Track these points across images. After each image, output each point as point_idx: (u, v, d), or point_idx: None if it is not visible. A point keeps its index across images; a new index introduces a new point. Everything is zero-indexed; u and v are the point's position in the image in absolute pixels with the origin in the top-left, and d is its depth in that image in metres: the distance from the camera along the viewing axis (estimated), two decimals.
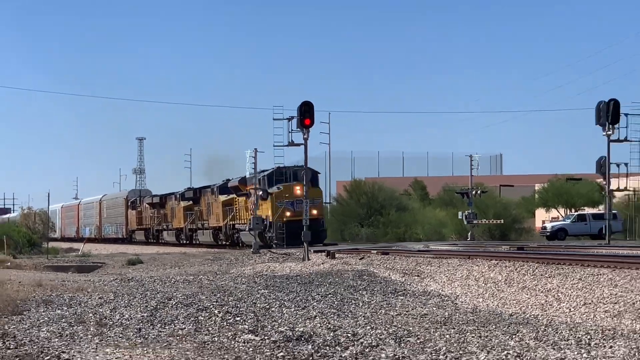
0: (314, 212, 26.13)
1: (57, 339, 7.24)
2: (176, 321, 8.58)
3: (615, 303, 8.33)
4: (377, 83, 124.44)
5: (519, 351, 6.36)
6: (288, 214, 27.51)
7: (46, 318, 8.93)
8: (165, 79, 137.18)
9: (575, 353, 6.24)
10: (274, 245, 27.46)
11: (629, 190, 26.60)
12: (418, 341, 6.90)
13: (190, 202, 39.00)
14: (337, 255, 20.38)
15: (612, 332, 7.13)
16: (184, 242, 40.67)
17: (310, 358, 6.30)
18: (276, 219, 27.46)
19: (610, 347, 6.44)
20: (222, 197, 33.92)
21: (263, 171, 28.86)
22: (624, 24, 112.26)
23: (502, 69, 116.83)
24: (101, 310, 9.85)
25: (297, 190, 27.06)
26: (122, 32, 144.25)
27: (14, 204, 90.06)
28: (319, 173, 28.84)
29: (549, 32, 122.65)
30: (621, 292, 8.84)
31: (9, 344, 6.94)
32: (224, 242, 34.45)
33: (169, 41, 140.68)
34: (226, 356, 6.42)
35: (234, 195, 32.47)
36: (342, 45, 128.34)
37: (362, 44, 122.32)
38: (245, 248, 28.98)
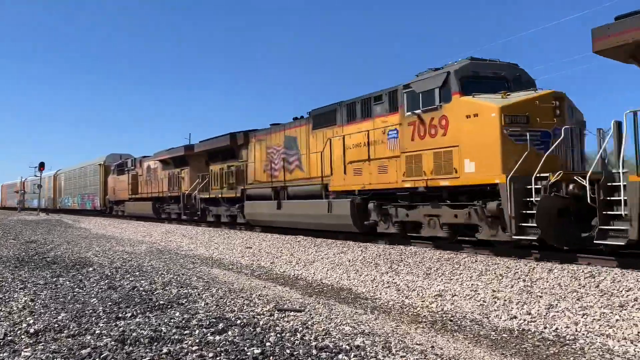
0: None
1: None
2: None
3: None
4: None
5: (94, 242, 19.03)
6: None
7: None
8: None
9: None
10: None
11: None
12: (76, 244, 19.40)
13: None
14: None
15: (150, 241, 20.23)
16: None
17: (35, 250, 18.52)
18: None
19: (140, 245, 19.31)
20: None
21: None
22: None
23: None
24: None
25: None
26: None
27: None
28: None
29: None
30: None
31: None
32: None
33: None
34: (3, 248, 18.50)
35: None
36: None
37: None
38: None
